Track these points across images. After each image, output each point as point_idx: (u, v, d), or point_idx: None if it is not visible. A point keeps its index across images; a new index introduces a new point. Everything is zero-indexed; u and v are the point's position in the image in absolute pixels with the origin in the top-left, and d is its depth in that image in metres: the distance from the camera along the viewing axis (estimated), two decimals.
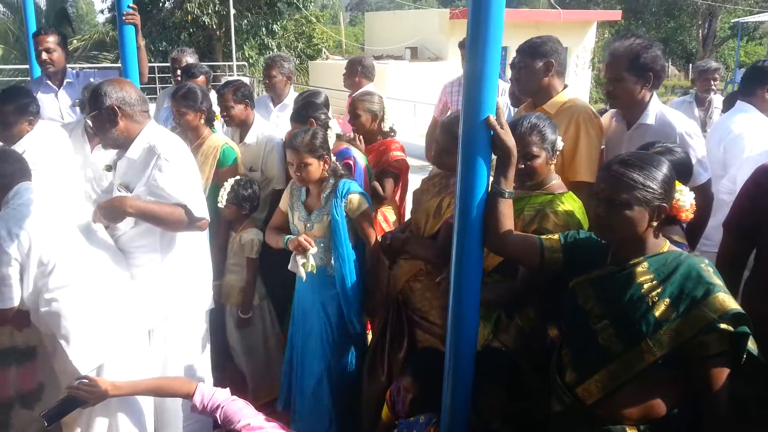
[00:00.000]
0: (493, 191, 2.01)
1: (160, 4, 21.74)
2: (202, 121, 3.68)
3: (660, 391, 1.81)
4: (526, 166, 2.33)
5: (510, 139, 1.98)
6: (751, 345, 1.76)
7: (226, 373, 3.82)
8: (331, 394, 3.11)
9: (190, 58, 5.08)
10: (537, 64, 2.97)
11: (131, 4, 3.68)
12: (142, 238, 2.84)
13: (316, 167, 2.96)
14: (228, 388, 2.50)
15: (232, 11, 17.71)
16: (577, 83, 18.45)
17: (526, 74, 3.02)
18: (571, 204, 2.37)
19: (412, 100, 13.83)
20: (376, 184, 3.73)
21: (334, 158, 3.13)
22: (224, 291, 3.62)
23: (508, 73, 3.53)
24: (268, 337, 3.69)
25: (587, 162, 2.83)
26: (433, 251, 2.75)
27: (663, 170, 1.79)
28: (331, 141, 3.42)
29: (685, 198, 1.89)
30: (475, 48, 1.86)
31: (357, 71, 5.06)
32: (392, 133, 3.94)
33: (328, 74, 19.19)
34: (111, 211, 2.69)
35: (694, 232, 2.81)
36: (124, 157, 2.79)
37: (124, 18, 3.62)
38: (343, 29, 30.71)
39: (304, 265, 2.96)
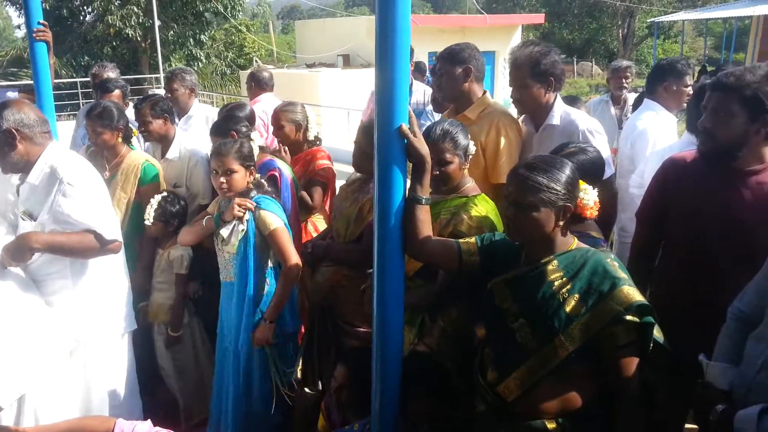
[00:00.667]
0: (410, 198, 2.04)
1: (81, 17, 21.03)
2: (120, 139, 3.57)
3: (575, 385, 1.88)
4: (440, 172, 2.39)
5: (423, 147, 2.00)
6: (657, 334, 1.86)
7: (157, 396, 3.72)
8: (262, 406, 3.06)
9: (111, 73, 4.95)
10: (456, 70, 3.05)
11: (41, 21, 3.54)
12: (51, 266, 2.73)
13: (241, 176, 2.92)
14: (149, 420, 2.41)
15: (157, 22, 17.32)
16: (505, 86, 18.86)
17: (446, 80, 3.10)
18: (485, 206, 2.44)
19: (346, 107, 13.86)
20: (304, 193, 3.73)
21: (258, 175, 3.10)
22: (152, 310, 3.54)
23: None
24: (199, 355, 3.61)
25: (509, 164, 2.90)
26: (356, 255, 2.78)
27: (566, 172, 1.86)
28: (254, 153, 3.40)
29: (588, 197, 1.97)
30: (383, 58, 1.88)
31: (251, 85, 5.44)
32: (318, 142, 3.95)
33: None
34: (17, 251, 2.58)
35: (603, 226, 2.95)
36: (26, 182, 2.68)
37: (34, 35, 3.50)
38: (274, 38, 30.47)
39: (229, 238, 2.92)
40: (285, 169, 3.52)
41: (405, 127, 1.93)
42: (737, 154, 2.23)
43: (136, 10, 19.53)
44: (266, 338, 2.89)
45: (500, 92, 18.13)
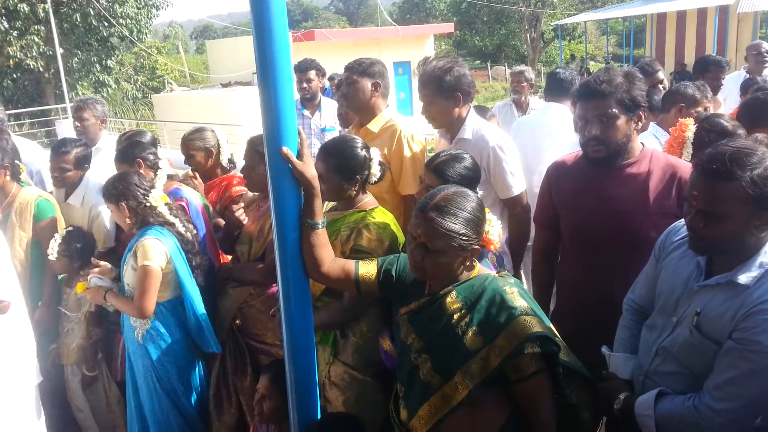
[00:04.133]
0: (304, 226, 1.98)
1: None
2: (8, 177, 3.39)
3: (485, 416, 1.84)
4: (323, 187, 2.29)
5: (309, 171, 1.93)
6: (565, 358, 1.85)
7: None
8: None
9: None
10: (366, 82, 3.08)
11: None
12: None
13: (118, 216, 2.91)
14: None
15: (59, 51, 16.57)
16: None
17: (354, 91, 3.11)
18: (383, 217, 2.44)
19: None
20: (220, 220, 3.64)
21: (161, 202, 2.96)
22: (62, 351, 3.39)
23: None
24: (109, 393, 3.47)
25: (413, 176, 2.96)
26: (259, 274, 2.75)
27: (474, 212, 1.80)
28: (161, 182, 3.29)
29: (494, 230, 1.98)
30: (265, 80, 1.84)
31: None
32: (232, 165, 3.86)
33: (173, 107, 18.56)
34: None
35: (517, 243, 3.03)
36: None
37: None
38: (185, 59, 29.82)
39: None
40: (193, 197, 3.41)
41: (286, 150, 1.88)
42: (625, 153, 2.32)
43: (36, 39, 18.66)
44: (91, 295, 2.97)
45: (418, 102, 18.42)
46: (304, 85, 5.20)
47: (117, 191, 2.88)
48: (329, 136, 4.93)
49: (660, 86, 4.50)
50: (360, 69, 3.09)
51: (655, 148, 2.58)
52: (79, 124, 4.42)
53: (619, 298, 2.19)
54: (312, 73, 5.27)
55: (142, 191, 2.90)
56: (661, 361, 1.86)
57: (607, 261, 2.34)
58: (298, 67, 5.23)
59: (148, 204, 2.89)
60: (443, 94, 2.87)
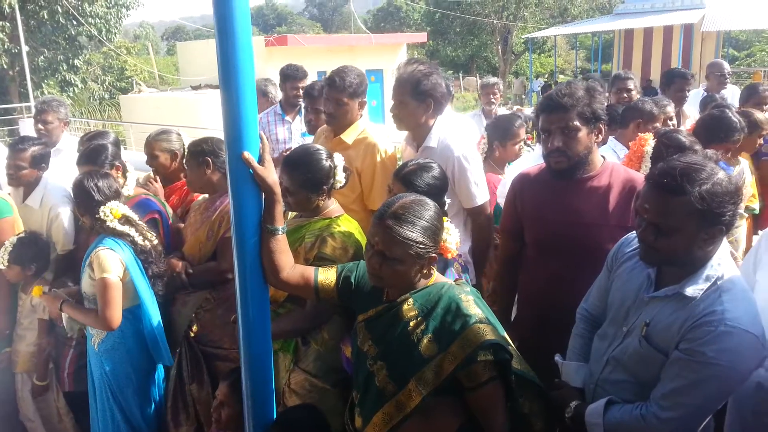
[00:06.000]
0: (264, 230, 1.98)
1: None
2: None
3: (439, 421, 1.84)
4: (286, 199, 2.34)
5: (270, 176, 1.92)
6: (518, 366, 1.88)
7: None
8: None
9: None
10: (354, 104, 3.10)
11: None
12: None
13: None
14: None
15: (25, 48, 16.24)
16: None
17: (342, 113, 3.11)
18: (348, 226, 2.45)
19: None
20: (180, 225, 3.59)
21: (105, 213, 2.85)
22: (14, 358, 3.31)
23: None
24: (58, 403, 3.38)
25: (383, 192, 2.95)
26: (212, 274, 2.78)
27: (432, 220, 1.82)
28: (130, 186, 3.26)
29: (451, 239, 2.01)
30: (227, 85, 1.84)
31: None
32: None
33: (141, 108, 18.28)
34: None
35: (480, 252, 3.06)
36: None
37: None
38: (154, 60, 29.47)
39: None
40: (163, 208, 3.37)
41: (247, 155, 1.87)
42: (586, 166, 2.37)
43: (1, 36, 18.25)
44: (48, 302, 2.90)
45: (388, 109, 18.47)
46: (296, 92, 4.95)
47: (77, 198, 2.86)
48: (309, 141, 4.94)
49: (630, 94, 4.59)
50: (351, 91, 3.07)
51: (615, 162, 2.64)
52: (42, 127, 4.35)
53: (574, 307, 2.23)
54: (305, 81, 5.13)
55: (95, 201, 2.85)
56: (611, 370, 1.90)
57: (566, 271, 2.39)
58: (295, 74, 5.05)
59: (98, 216, 2.84)
60: (417, 97, 2.88)
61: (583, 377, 2.02)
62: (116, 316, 2.75)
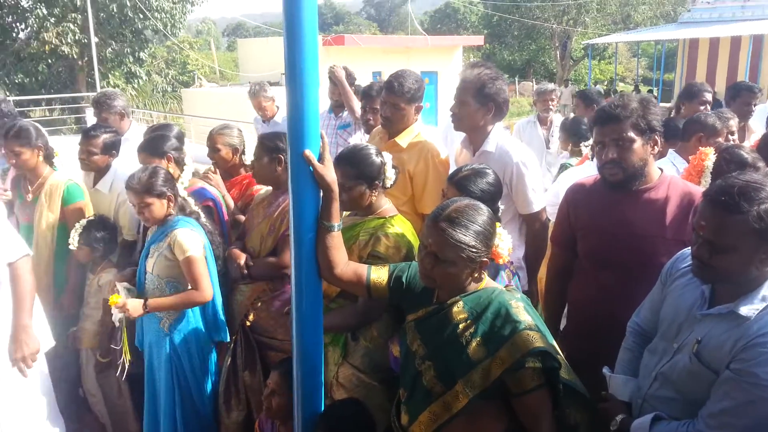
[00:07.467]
0: (320, 228, 2.04)
1: (14, 34, 20.39)
2: (40, 158, 3.50)
3: (484, 424, 1.86)
4: (342, 195, 2.36)
5: (329, 174, 1.98)
6: (566, 376, 1.87)
7: (84, 423, 3.66)
8: (187, 429, 3.02)
9: None
10: (411, 109, 3.15)
11: None
12: None
13: (158, 207, 2.88)
14: None
15: (94, 40, 16.94)
16: (446, 105, 19.29)
17: (399, 117, 3.16)
18: (401, 226, 2.49)
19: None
20: (241, 216, 3.72)
21: (185, 194, 3.07)
22: (80, 335, 3.48)
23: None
24: (120, 381, 3.53)
25: (435, 196, 2.99)
26: (273, 269, 2.84)
27: (485, 225, 1.84)
28: (186, 178, 3.38)
29: (503, 244, 2.01)
30: (293, 84, 1.90)
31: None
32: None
33: (202, 102, 18.79)
34: None
35: (533, 258, 3.06)
36: None
37: None
38: (215, 56, 30.20)
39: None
40: (218, 197, 3.50)
41: (308, 153, 1.94)
42: (642, 177, 2.35)
43: (72, 27, 19.09)
44: (131, 309, 2.78)
45: (442, 112, 18.46)
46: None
47: (165, 185, 2.90)
48: (346, 134, 4.99)
49: (706, 107, 4.46)
50: (408, 96, 3.12)
51: (673, 174, 2.61)
52: (105, 116, 4.45)
53: (626, 320, 2.22)
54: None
55: (172, 184, 2.98)
56: (660, 385, 1.88)
57: (619, 283, 2.37)
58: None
59: (182, 197, 2.99)
60: (479, 100, 2.91)
61: (630, 391, 2.01)
62: (210, 286, 2.87)
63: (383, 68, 17.81)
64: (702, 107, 4.39)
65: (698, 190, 2.39)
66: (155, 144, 3.44)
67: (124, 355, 3.05)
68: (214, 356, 3.12)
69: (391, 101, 3.14)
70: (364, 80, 5.53)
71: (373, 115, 4.12)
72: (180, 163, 3.41)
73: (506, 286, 2.00)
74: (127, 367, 3.07)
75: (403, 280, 2.09)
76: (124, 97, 4.73)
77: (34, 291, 2.77)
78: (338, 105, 5.18)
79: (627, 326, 2.19)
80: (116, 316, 2.85)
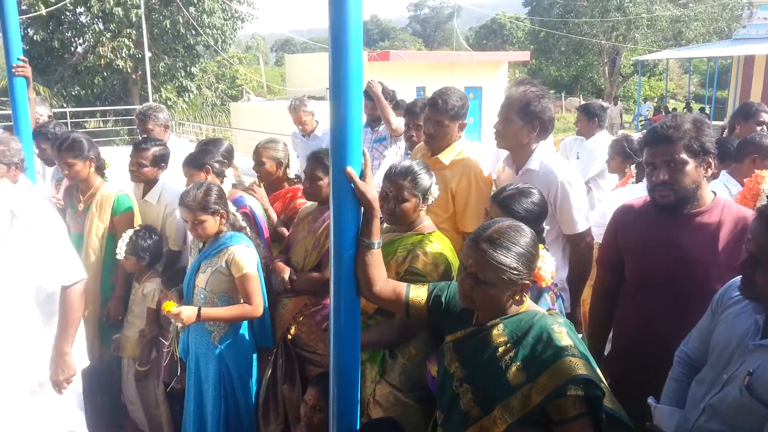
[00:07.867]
0: (360, 245, 2.03)
1: (72, 48, 21.27)
2: (92, 169, 3.61)
3: None
4: (396, 208, 2.43)
5: (370, 191, 1.97)
6: (610, 404, 1.80)
7: (124, 430, 3.72)
8: None
9: (40, 108, 4.76)
10: (454, 126, 3.12)
11: (21, 57, 3.61)
12: (22, 309, 2.65)
13: (211, 224, 2.93)
14: None
15: (148, 54, 17.52)
16: (490, 121, 19.24)
17: (443, 134, 3.13)
18: (440, 242, 2.48)
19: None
20: (283, 230, 3.75)
21: (234, 209, 3.11)
22: (122, 343, 3.55)
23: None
24: (157, 390, 3.58)
25: (477, 215, 2.96)
26: (317, 285, 2.86)
27: (527, 247, 1.80)
28: (227, 189, 3.43)
29: (546, 267, 1.97)
30: (337, 100, 1.91)
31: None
32: (297, 180, 3.98)
33: (249, 116, 19.15)
34: None
35: (577, 280, 2.98)
36: None
37: (14, 70, 3.56)
38: (263, 71, 30.81)
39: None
40: (255, 206, 3.55)
41: (350, 170, 1.94)
42: (694, 201, 2.27)
43: (127, 42, 19.79)
44: (185, 317, 2.81)
45: (486, 128, 18.38)
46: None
47: (218, 203, 2.94)
48: (382, 147, 5.00)
49: (762, 128, 4.32)
50: (452, 113, 3.09)
51: (727, 198, 2.52)
52: (144, 135, 4.52)
53: (675, 348, 2.14)
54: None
55: (225, 201, 3.02)
56: (708, 418, 1.80)
57: (667, 309, 2.30)
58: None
59: (232, 213, 3.04)
60: (524, 117, 2.87)
61: (676, 423, 1.93)
62: (262, 303, 2.94)
63: (428, 84, 17.88)
64: (759, 128, 4.24)
65: (753, 215, 2.30)
66: (197, 157, 3.53)
67: (174, 354, 3.08)
68: (255, 368, 3.14)
69: (435, 118, 3.12)
70: (408, 96, 5.55)
71: (417, 132, 4.11)
72: (220, 175, 3.47)
73: (549, 310, 1.95)
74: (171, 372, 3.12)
75: (443, 299, 2.06)
76: (166, 111, 4.88)
77: (80, 317, 2.75)
78: (374, 119, 5.22)
79: (675, 355, 2.11)
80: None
